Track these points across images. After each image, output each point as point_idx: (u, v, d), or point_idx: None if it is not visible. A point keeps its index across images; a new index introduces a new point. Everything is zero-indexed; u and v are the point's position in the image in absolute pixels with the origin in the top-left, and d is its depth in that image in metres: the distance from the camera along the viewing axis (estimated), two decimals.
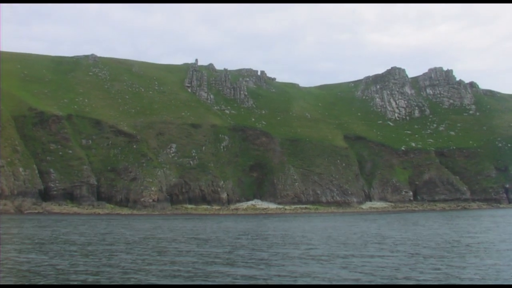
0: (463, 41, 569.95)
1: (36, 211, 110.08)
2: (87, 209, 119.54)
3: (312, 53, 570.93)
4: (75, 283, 23.67)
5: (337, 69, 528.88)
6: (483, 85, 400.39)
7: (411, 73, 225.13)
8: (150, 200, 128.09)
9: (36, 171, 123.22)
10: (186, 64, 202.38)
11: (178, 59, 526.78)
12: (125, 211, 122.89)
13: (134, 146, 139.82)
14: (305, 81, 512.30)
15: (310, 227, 68.85)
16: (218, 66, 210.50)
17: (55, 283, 23.48)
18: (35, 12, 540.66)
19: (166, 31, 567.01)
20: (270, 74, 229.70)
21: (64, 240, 44.69)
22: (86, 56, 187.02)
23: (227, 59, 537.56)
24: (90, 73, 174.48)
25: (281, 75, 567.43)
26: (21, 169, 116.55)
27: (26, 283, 23.61)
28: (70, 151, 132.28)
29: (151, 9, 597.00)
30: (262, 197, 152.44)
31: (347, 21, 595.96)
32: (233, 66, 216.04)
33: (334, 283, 23.48)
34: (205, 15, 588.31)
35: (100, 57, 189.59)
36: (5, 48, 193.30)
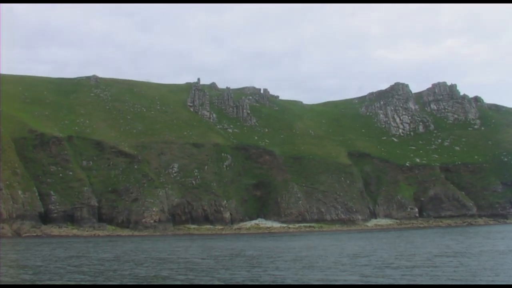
0: (469, 55, 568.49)
1: (35, 234, 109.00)
2: (87, 231, 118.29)
3: (318, 70, 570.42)
4: None
5: (343, 86, 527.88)
6: (490, 99, 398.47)
7: (418, 88, 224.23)
8: (152, 221, 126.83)
9: (36, 194, 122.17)
10: (188, 84, 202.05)
11: (183, 79, 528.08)
12: (126, 232, 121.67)
13: (135, 167, 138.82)
14: (311, 99, 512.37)
15: (295, 246, 67.27)
16: (225, 85, 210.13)
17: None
18: (40, 35, 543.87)
19: (171, 51, 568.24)
20: (275, 92, 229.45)
21: (13, 264, 43.72)
22: (88, 77, 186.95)
23: (233, 78, 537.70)
24: (92, 94, 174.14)
25: (287, 93, 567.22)
26: (20, 192, 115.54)
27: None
28: (71, 173, 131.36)
29: (156, 29, 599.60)
30: (266, 216, 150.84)
31: (353, 37, 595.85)
32: (239, 84, 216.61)
33: None
34: (210, 34, 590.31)
35: (101, 78, 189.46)
36: (9, 71, 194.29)
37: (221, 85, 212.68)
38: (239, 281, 30.05)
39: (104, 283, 30.03)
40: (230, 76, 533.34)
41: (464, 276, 28.80)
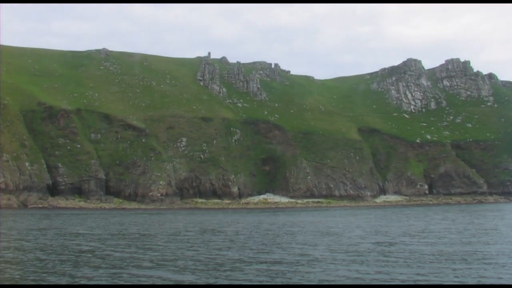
0: (487, 32, 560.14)
1: (41, 206, 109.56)
2: (94, 203, 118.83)
3: (333, 45, 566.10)
4: None
5: (358, 62, 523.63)
6: (508, 76, 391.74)
7: (434, 65, 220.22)
8: (158, 195, 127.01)
9: (44, 166, 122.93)
10: (199, 58, 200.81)
11: (198, 53, 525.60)
12: (133, 205, 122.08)
13: (143, 140, 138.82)
14: (326, 74, 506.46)
15: (278, 222, 65.92)
16: (238, 59, 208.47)
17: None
18: (55, 9, 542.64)
19: (186, 25, 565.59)
20: (290, 67, 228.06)
21: None
22: (98, 50, 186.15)
23: (247, 53, 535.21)
24: (101, 67, 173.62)
25: (302, 69, 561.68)
26: (27, 164, 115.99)
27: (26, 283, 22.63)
28: (79, 146, 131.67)
29: (172, 4, 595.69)
30: (274, 191, 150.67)
31: (369, 13, 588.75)
32: (253, 59, 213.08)
33: None
34: (225, 9, 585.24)
35: (111, 51, 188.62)
36: (23, 44, 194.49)
37: (234, 59, 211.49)
38: (160, 258, 29.29)
39: (20, 256, 29.90)
40: (245, 50, 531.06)
41: (377, 263, 27.59)
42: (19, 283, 22.00)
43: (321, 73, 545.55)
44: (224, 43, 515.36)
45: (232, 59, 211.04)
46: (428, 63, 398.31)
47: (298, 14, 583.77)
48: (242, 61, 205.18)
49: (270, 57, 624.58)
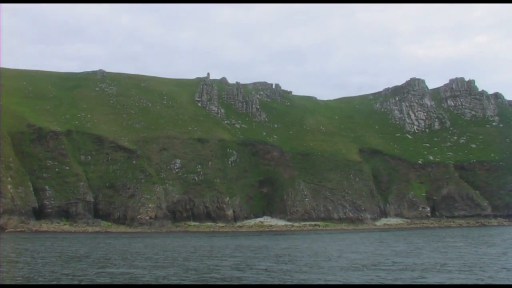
0: (501, 51, 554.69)
1: (20, 230, 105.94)
2: (79, 227, 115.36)
3: (345, 67, 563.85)
4: None
5: (371, 82, 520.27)
6: None
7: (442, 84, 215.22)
8: (147, 218, 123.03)
9: (31, 188, 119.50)
10: (198, 78, 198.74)
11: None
12: (121, 228, 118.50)
13: (134, 162, 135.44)
14: (336, 95, 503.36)
15: (237, 245, 63.16)
16: (245, 81, 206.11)
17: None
18: (66, 32, 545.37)
19: (197, 48, 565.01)
20: (302, 89, 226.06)
21: None
22: (94, 72, 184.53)
23: (258, 75, 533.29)
24: (97, 89, 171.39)
25: (313, 90, 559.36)
26: (10, 187, 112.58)
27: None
28: (67, 168, 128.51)
29: (182, 26, 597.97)
30: (272, 214, 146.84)
31: (382, 33, 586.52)
32: (262, 81, 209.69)
33: None
34: (236, 30, 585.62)
35: (108, 73, 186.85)
36: (35, 68, 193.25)
37: (246, 81, 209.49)
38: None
39: None
40: (256, 73, 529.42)
41: None
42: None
43: (333, 94, 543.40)
44: (234, 66, 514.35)
45: (242, 81, 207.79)
46: (440, 82, 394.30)
47: (310, 36, 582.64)
48: (237, 81, 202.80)
49: (282, 80, 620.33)
